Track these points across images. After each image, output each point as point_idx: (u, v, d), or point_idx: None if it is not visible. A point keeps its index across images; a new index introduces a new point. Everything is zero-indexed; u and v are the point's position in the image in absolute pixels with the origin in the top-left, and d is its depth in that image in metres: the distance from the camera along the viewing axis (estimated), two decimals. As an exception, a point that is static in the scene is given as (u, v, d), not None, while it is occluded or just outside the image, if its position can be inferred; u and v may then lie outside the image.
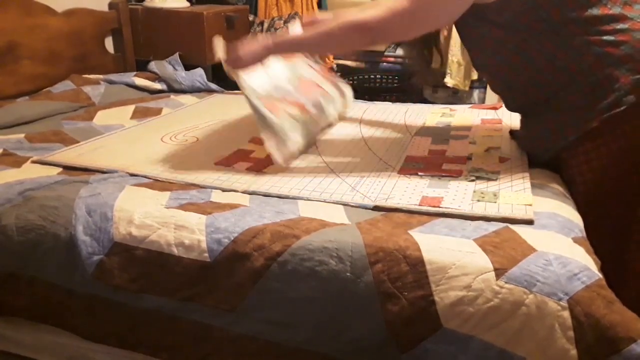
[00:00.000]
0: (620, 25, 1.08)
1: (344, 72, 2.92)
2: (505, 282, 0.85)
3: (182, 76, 2.13)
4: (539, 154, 1.26)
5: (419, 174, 1.22)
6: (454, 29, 2.66)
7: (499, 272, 0.86)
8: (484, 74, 1.38)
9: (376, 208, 1.07)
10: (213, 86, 2.17)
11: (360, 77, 2.84)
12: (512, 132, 1.47)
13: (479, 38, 1.25)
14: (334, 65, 2.91)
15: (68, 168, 1.29)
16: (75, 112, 1.76)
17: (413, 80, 2.65)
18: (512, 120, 1.60)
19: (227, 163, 1.31)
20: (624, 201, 1.12)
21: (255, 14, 2.70)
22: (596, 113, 1.10)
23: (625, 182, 1.10)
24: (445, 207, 1.05)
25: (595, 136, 1.11)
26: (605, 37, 1.08)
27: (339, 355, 0.95)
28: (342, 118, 1.71)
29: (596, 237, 1.04)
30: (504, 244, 0.91)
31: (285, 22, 2.64)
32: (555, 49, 1.13)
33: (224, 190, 1.17)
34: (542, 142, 1.23)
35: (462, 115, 1.72)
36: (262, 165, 1.30)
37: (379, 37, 1.18)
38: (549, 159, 1.24)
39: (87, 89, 1.90)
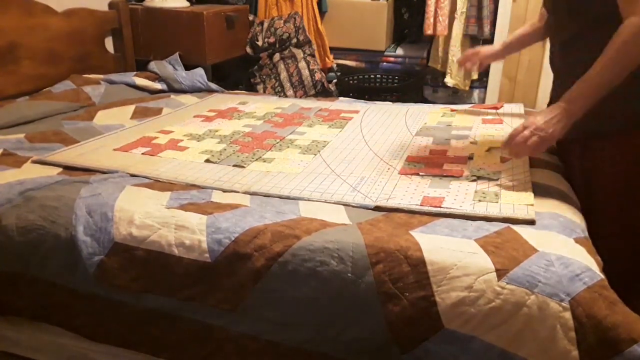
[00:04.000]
0: None
1: (344, 72, 2.92)
2: (507, 283, 0.85)
3: (182, 76, 2.13)
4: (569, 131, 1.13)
5: (420, 174, 1.22)
6: (454, 27, 2.68)
7: (501, 272, 0.86)
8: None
9: (377, 208, 1.07)
10: (213, 86, 2.17)
11: (360, 77, 2.84)
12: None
13: (566, 41, 1.20)
14: (334, 65, 2.91)
15: (68, 168, 1.29)
16: (75, 112, 1.75)
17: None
18: (513, 120, 1.60)
19: (126, 149, 1.42)
20: None
21: (255, 14, 2.70)
22: None
23: None
24: (447, 207, 1.05)
25: (635, 130, 1.08)
26: None
27: (339, 355, 0.95)
28: (342, 118, 1.71)
29: (617, 227, 1.01)
30: (506, 244, 0.91)
31: (285, 22, 2.64)
32: None
33: (224, 190, 1.17)
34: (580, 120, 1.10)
35: (462, 115, 1.72)
36: (159, 149, 1.42)
37: None
38: (573, 140, 1.19)
39: (87, 89, 1.89)
